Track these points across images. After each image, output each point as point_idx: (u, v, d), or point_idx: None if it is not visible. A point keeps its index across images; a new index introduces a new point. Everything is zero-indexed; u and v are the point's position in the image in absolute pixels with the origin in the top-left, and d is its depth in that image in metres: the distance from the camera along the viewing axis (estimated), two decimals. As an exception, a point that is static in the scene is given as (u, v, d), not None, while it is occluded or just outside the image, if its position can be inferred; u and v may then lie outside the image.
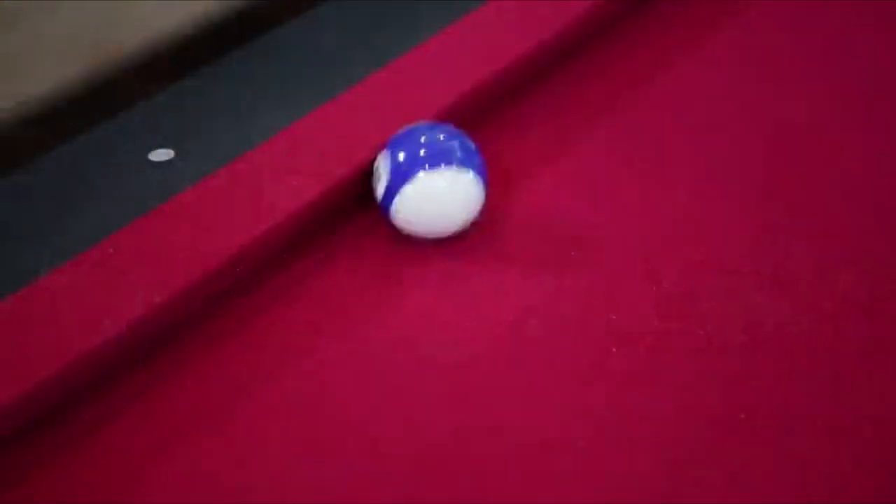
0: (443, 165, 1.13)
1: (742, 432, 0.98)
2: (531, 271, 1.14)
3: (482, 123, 1.28)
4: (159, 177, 1.18)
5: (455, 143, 1.15)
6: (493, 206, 1.17)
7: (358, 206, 1.17)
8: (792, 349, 1.05)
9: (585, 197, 1.23)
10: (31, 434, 0.96)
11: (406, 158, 1.14)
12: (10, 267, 1.08)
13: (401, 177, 1.13)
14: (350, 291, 1.11)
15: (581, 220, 1.19)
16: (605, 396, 1.01)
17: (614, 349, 1.05)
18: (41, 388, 0.97)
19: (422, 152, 1.14)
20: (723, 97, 1.36)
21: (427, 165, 1.13)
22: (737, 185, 1.24)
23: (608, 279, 1.13)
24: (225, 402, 1.01)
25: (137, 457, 0.97)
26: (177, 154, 1.20)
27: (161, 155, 1.20)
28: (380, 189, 1.15)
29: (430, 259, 1.15)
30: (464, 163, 1.14)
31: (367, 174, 1.17)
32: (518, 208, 1.21)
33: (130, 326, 1.01)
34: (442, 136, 1.16)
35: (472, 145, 1.16)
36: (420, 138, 1.16)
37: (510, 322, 1.09)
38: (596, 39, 1.41)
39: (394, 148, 1.15)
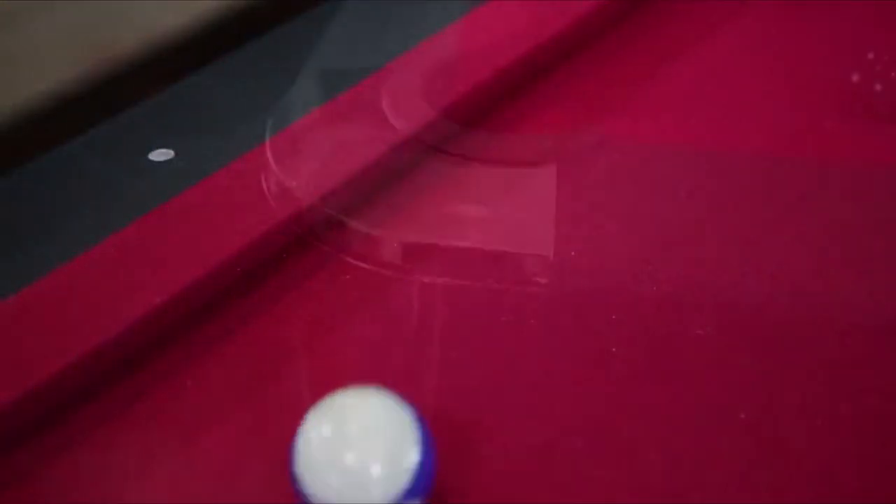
0: None
1: (742, 432, 0.98)
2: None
3: (482, 123, 1.28)
4: (159, 177, 1.18)
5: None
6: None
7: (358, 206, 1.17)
8: (791, 349, 1.05)
9: (585, 197, 1.23)
10: (31, 434, 0.96)
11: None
12: (10, 267, 1.08)
13: None
14: (351, 288, 1.11)
15: (581, 221, 1.20)
16: (605, 396, 1.01)
17: (614, 349, 1.05)
18: (41, 388, 0.97)
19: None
20: (723, 97, 1.36)
21: None
22: (737, 185, 1.24)
23: (608, 279, 1.13)
24: (225, 402, 1.01)
25: (137, 457, 0.97)
26: (177, 154, 1.20)
27: (161, 155, 1.20)
28: None
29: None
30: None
31: (367, 173, 1.17)
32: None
33: (130, 326, 1.02)
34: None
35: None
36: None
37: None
38: (596, 39, 1.41)
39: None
